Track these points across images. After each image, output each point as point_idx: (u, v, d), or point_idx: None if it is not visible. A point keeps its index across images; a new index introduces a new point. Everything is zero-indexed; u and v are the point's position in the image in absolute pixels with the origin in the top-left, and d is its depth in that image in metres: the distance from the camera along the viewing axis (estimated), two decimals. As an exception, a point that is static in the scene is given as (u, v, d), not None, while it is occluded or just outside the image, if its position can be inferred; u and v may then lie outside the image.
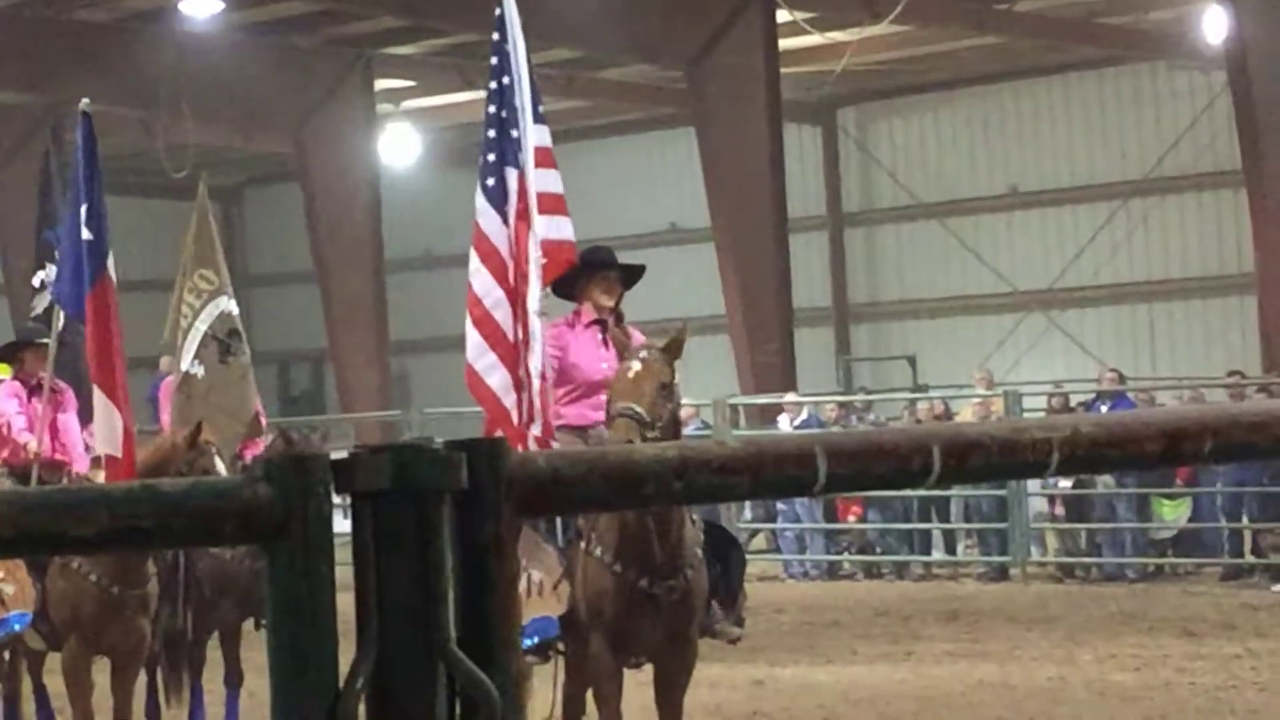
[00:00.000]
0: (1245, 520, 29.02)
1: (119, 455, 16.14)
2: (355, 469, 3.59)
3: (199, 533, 3.72)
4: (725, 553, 13.95)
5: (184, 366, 18.03)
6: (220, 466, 15.56)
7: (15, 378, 17.65)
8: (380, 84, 44.70)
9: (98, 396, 16.34)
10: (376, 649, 3.57)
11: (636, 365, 12.88)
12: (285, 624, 3.60)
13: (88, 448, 17.31)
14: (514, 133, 14.02)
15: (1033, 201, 44.79)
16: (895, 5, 36.05)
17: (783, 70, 37.81)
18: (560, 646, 13.58)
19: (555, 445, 13.47)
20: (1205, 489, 29.04)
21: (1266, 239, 32.74)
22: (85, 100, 17.69)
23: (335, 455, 3.65)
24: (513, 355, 13.57)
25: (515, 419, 13.50)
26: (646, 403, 12.66)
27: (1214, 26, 34.77)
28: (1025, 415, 31.54)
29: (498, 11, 14.29)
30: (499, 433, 13.33)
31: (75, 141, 17.14)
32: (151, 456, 16.25)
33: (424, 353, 46.84)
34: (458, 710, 3.60)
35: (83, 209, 16.52)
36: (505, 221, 13.83)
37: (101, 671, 16.38)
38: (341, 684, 3.56)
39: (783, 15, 37.20)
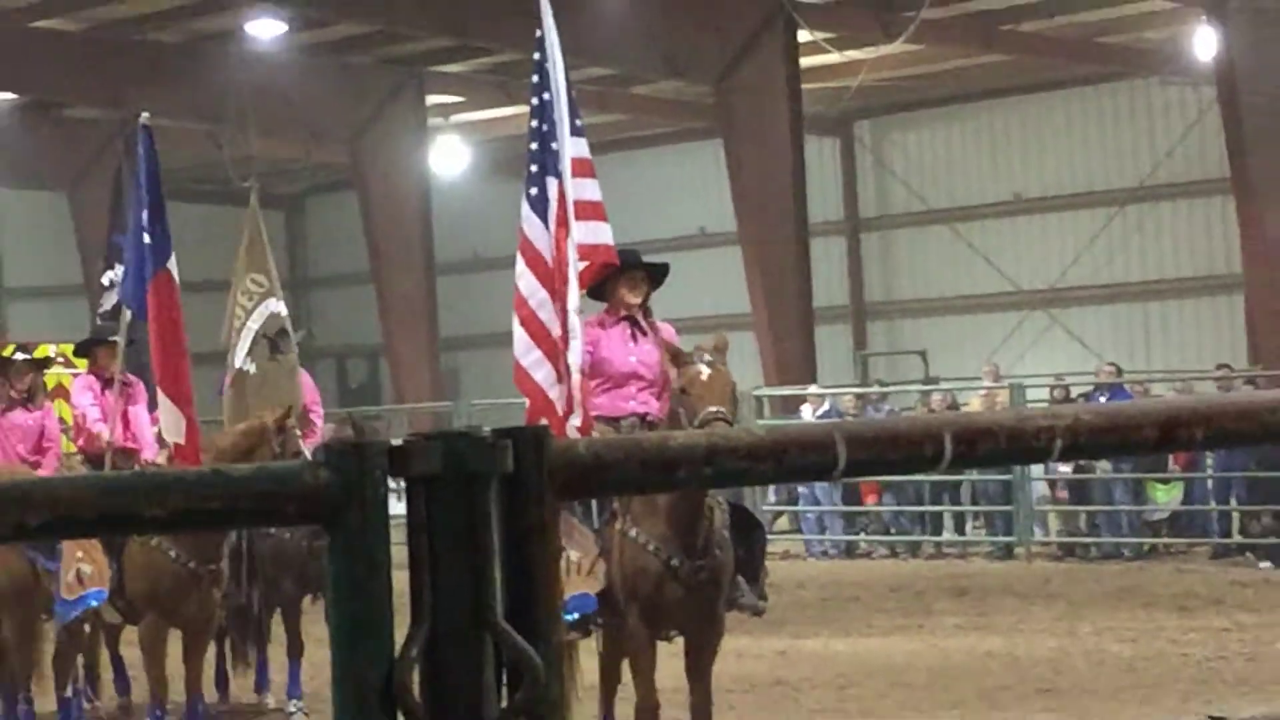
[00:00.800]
0: (1234, 503, 28.97)
1: (183, 443, 16.19)
2: (409, 455, 3.59)
3: (264, 514, 3.74)
4: (749, 533, 14.00)
5: (237, 363, 18.06)
6: (305, 449, 15.55)
7: (89, 372, 17.67)
8: (431, 99, 44.72)
9: (161, 397, 16.40)
10: (429, 622, 3.57)
11: (707, 370, 12.97)
12: (345, 599, 3.61)
13: (159, 438, 17.34)
14: (554, 145, 14.03)
15: (1036, 207, 44.73)
16: (908, 25, 36.06)
17: (803, 86, 37.79)
18: (599, 621, 13.61)
19: (593, 434, 13.54)
20: (1196, 474, 29.02)
21: (1252, 242, 32.72)
22: (145, 114, 17.72)
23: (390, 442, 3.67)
24: (555, 351, 13.60)
25: (559, 410, 13.54)
26: (730, 406, 12.93)
27: (1204, 45, 34.76)
28: (1029, 406, 31.55)
29: (539, 32, 14.31)
30: (542, 421, 13.37)
31: (139, 150, 17.16)
32: (242, 440, 16.28)
33: (472, 348, 46.87)
34: (504, 679, 3.61)
35: (144, 214, 16.57)
36: (547, 227, 13.85)
37: (173, 643, 16.39)
38: (397, 655, 3.57)
39: (803, 35, 37.18)
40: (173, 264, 16.53)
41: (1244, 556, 27.91)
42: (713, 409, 12.69)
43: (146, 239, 16.45)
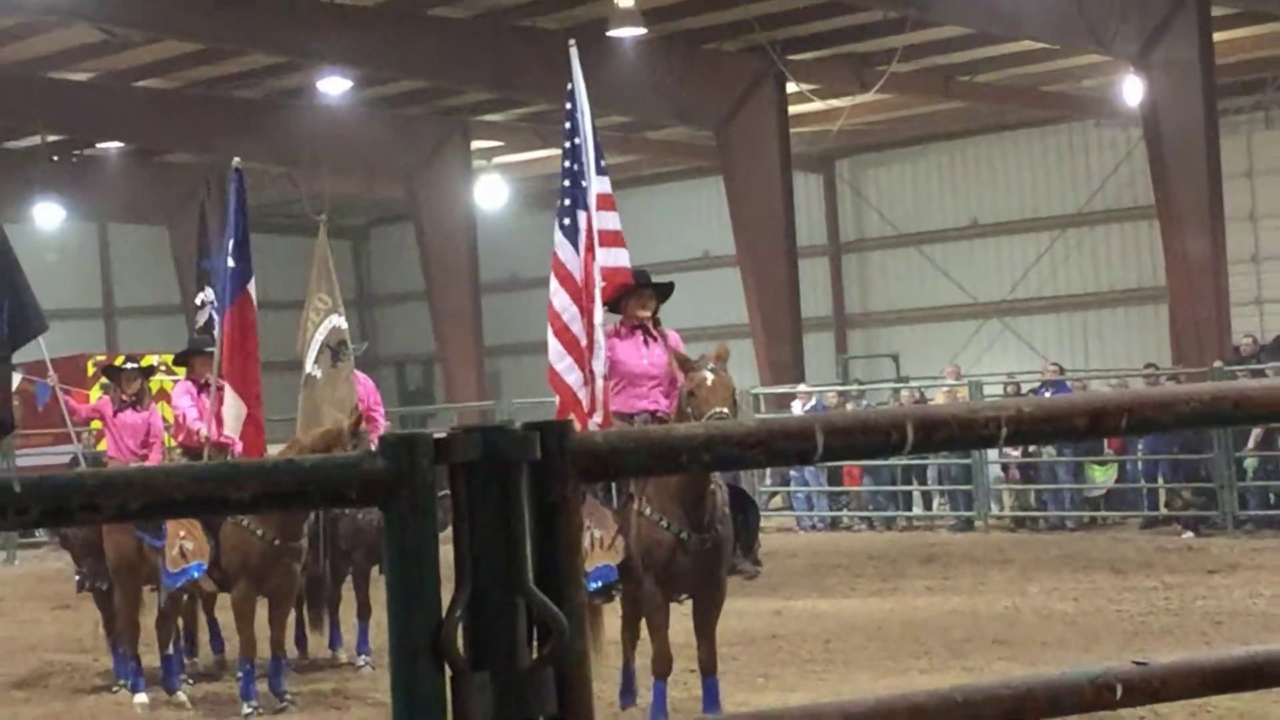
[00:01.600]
0: (1160, 481, 28.96)
1: (239, 438, 16.23)
2: (452, 445, 3.62)
3: (329, 497, 3.76)
4: (745, 509, 14.05)
5: (306, 369, 18.11)
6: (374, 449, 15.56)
7: (188, 378, 17.67)
8: (475, 144, 44.77)
9: (228, 390, 16.41)
10: (470, 587, 3.59)
11: (711, 377, 13.10)
12: (398, 568, 3.63)
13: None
14: (584, 183, 14.12)
15: (990, 231, 44.68)
16: (880, 78, 36.11)
17: (791, 130, 37.81)
18: (620, 587, 13.67)
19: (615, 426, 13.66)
20: (1128, 457, 29.02)
21: (1174, 260, 32.68)
22: (237, 159, 17.79)
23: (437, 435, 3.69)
24: (583, 358, 13.69)
25: (585, 408, 13.63)
26: (731, 407, 13.08)
27: (1131, 93, 34.70)
28: (984, 400, 31.55)
29: (569, 86, 14.41)
30: (570, 418, 13.44)
31: (230, 190, 17.21)
32: (320, 441, 16.30)
33: (512, 355, 46.85)
34: (535, 635, 3.62)
35: (230, 243, 16.61)
36: (577, 252, 13.93)
37: (260, 608, 16.39)
38: (443, 615, 3.58)
39: (791, 86, 37.22)
40: (252, 285, 16.57)
41: (1169, 527, 27.87)
42: (717, 409, 12.80)
43: (232, 263, 16.49)
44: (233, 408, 16.26)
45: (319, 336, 18.02)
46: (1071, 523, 29.36)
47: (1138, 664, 4.18)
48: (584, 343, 13.75)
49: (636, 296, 14.16)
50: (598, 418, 13.56)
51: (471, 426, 3.66)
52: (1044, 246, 43.83)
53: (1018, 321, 44.01)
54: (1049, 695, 4.15)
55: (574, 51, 14.52)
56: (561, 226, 14.04)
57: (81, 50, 37.74)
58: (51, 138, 44.94)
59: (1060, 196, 43.56)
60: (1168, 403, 4.27)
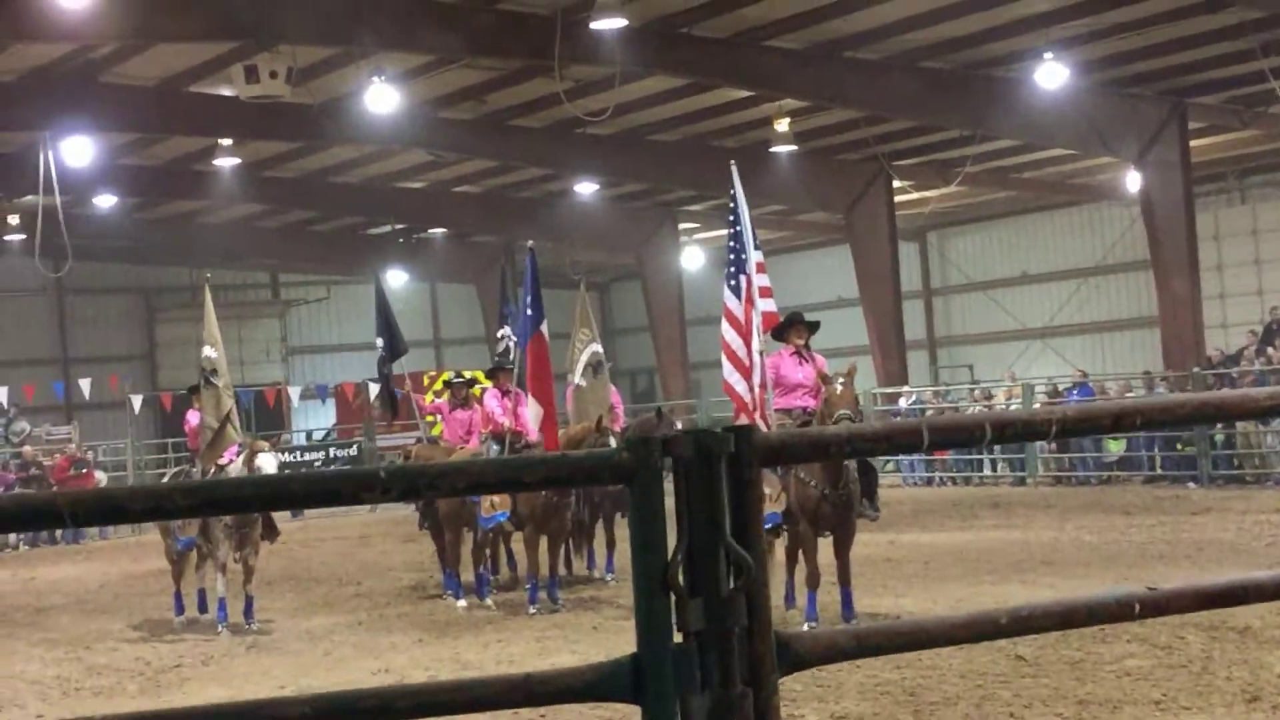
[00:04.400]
0: (1155, 451, 28.48)
1: (540, 432, 16.36)
2: (675, 444, 3.61)
3: (592, 479, 3.75)
4: (868, 472, 14.08)
5: (575, 381, 18.20)
6: (613, 443, 15.67)
7: (495, 387, 17.80)
8: (682, 225, 44.87)
9: (530, 399, 16.55)
10: (688, 540, 3.58)
11: (840, 388, 13.33)
12: (638, 526, 3.62)
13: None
14: (744, 254, 14.25)
15: (1035, 279, 44.11)
16: (957, 176, 35.80)
17: (896, 212, 37.58)
18: (784, 527, 13.67)
19: (774, 422, 13.73)
20: (1134, 434, 28.56)
21: (1164, 297, 32.20)
22: (531, 242, 18.05)
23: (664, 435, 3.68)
24: (748, 375, 13.82)
25: (751, 409, 13.75)
26: (852, 406, 13.26)
27: (1132, 183, 34.24)
28: (1034, 397, 31.16)
29: (731, 191, 14.63)
30: (743, 417, 13.61)
31: (525, 264, 17.36)
32: (579, 433, 16.43)
33: (708, 369, 46.68)
34: (731, 572, 3.60)
35: (528, 298, 16.74)
36: (740, 303, 14.12)
37: (541, 541, 16.49)
38: (669, 558, 3.57)
39: (896, 183, 37.10)
40: (544, 326, 16.71)
41: (1164, 483, 27.38)
42: (842, 411, 13.06)
43: (529, 312, 16.65)
44: (534, 410, 16.42)
45: (583, 358, 18.15)
46: (1094, 479, 28.91)
47: (1150, 589, 4.09)
48: (747, 364, 13.96)
49: (795, 329, 14.28)
50: (759, 415, 13.71)
51: (688, 430, 3.66)
52: (1073, 290, 43.20)
53: (1055, 341, 43.38)
54: (1087, 610, 4.06)
55: (734, 168, 14.79)
56: (729, 286, 14.33)
57: (416, 167, 38.26)
58: (398, 226, 45.66)
59: (1083, 255, 42.97)
60: (1170, 408, 4.19)
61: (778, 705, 3.61)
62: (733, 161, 15.02)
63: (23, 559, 27.81)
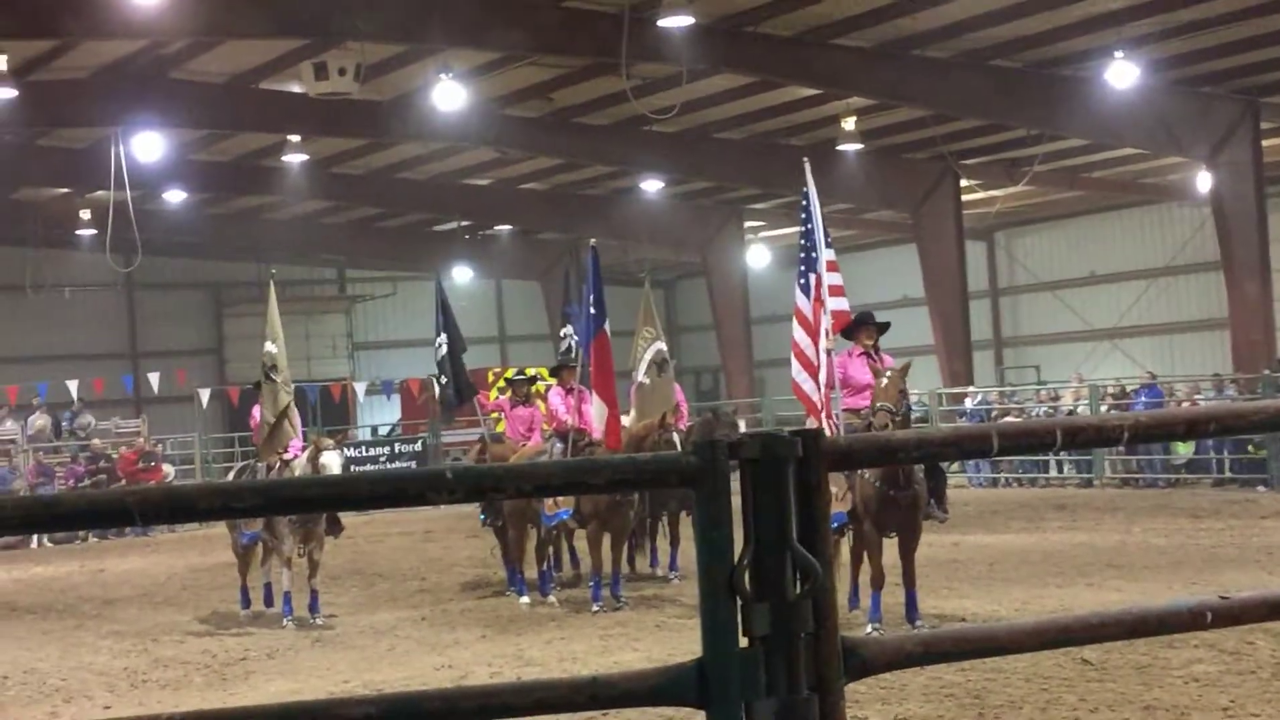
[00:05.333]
0: (1224, 454, 28.19)
1: (604, 431, 16.34)
2: (741, 447, 3.59)
3: (658, 481, 3.74)
4: (936, 473, 13.96)
5: (638, 378, 18.16)
6: (677, 441, 15.66)
7: (558, 384, 17.81)
8: (747, 223, 44.80)
9: (595, 398, 16.54)
10: (754, 544, 3.55)
11: (885, 380, 13.25)
12: (704, 530, 3.60)
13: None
14: (814, 253, 14.21)
15: (1103, 280, 43.74)
16: (1025, 175, 35.58)
17: (964, 211, 37.37)
18: (849, 527, 13.60)
19: (839, 421, 13.69)
20: (1204, 437, 28.25)
21: (1235, 298, 31.86)
22: (594, 240, 18.02)
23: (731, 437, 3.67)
24: (816, 374, 13.80)
25: (818, 408, 13.71)
26: (893, 401, 13.07)
27: (1203, 183, 33.95)
28: (1101, 399, 30.91)
29: (804, 189, 14.60)
30: (810, 417, 13.60)
31: (588, 262, 17.36)
32: (642, 430, 16.41)
33: (772, 367, 46.51)
34: (798, 576, 3.57)
35: (591, 297, 16.72)
36: (809, 302, 14.07)
37: (604, 539, 16.47)
38: (735, 562, 3.55)
39: (963, 182, 36.92)
40: (607, 325, 16.70)
41: (1233, 486, 27.09)
42: (881, 404, 13.10)
43: (593, 310, 16.63)
44: (598, 409, 16.41)
45: (648, 356, 18.08)
46: (1162, 482, 28.64)
47: (1223, 597, 4.03)
48: (815, 364, 13.92)
49: (864, 330, 14.24)
50: (824, 415, 13.70)
51: (754, 433, 3.63)
52: (1141, 290, 42.81)
53: (1123, 342, 43.01)
54: (1158, 619, 4.02)
55: (807, 165, 14.77)
56: (799, 285, 14.28)
57: (483, 164, 38.40)
58: (464, 223, 45.82)
59: (1152, 255, 42.59)
60: (1243, 414, 4.12)
61: (843, 711, 3.58)
62: (805, 159, 14.97)
63: (91, 551, 28.10)
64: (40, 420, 36.20)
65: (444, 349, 18.83)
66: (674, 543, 18.62)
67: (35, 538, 28.74)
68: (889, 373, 13.28)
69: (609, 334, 16.67)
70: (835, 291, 14.32)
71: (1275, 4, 26.01)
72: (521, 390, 18.76)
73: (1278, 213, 36.55)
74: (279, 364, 16.53)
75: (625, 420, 17.25)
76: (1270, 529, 20.20)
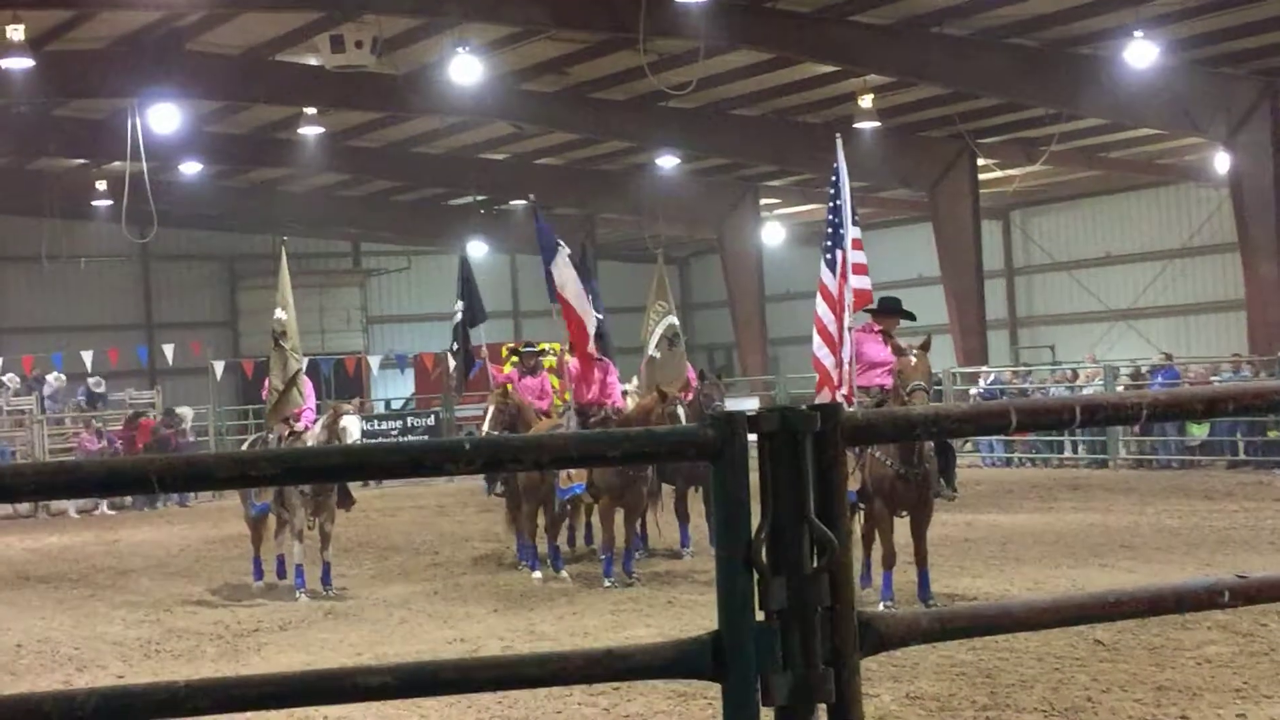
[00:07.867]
0: (1239, 436, 28.13)
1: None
2: (760, 420, 3.58)
3: (676, 454, 3.73)
4: (945, 452, 13.95)
5: (649, 353, 18.16)
6: (681, 415, 15.66)
7: (575, 356, 17.84)
8: (762, 201, 44.73)
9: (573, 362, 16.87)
10: (771, 517, 3.55)
11: (914, 359, 13.15)
12: (722, 504, 3.60)
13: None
14: (841, 230, 14.23)
15: (1119, 260, 43.64)
16: (1042, 155, 35.49)
17: (980, 190, 37.28)
18: (860, 505, 13.59)
19: (856, 399, 13.69)
20: (1222, 416, 28.22)
21: (1251, 279, 31.78)
22: (531, 195, 18.23)
23: (748, 409, 3.67)
24: (836, 349, 13.79)
25: (835, 383, 13.71)
26: (926, 380, 13.08)
27: (1221, 163, 33.83)
28: (1117, 379, 30.86)
29: (834, 165, 14.60)
30: (825, 391, 13.62)
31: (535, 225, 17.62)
32: (649, 403, 16.43)
33: (785, 345, 46.56)
34: (815, 550, 3.57)
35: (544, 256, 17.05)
36: (835, 278, 14.07)
37: (616, 514, 16.49)
38: (753, 536, 3.55)
39: (980, 161, 36.83)
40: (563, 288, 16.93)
41: (1247, 468, 27.04)
42: (915, 382, 12.95)
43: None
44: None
45: (659, 330, 18.11)
46: (1176, 464, 28.59)
47: (1240, 576, 4.02)
48: (837, 339, 13.97)
49: (891, 319, 14.32)
50: (844, 390, 13.72)
51: (773, 408, 3.63)
52: (1158, 271, 42.69)
53: (1139, 323, 42.91)
54: (1175, 597, 4.01)
55: (839, 141, 14.70)
56: (825, 260, 14.34)
57: (499, 139, 38.37)
58: (479, 197, 45.78)
59: (1169, 236, 42.46)
60: (1263, 393, 4.11)
61: (859, 685, 3.58)
62: (838, 135, 14.96)
63: (106, 521, 28.18)
64: (56, 380, 36.26)
65: (458, 316, 18.94)
66: (683, 519, 18.62)
67: (47, 506, 28.85)
68: (915, 351, 13.22)
69: (568, 300, 16.81)
70: (859, 269, 14.33)
71: (1296, -16, 25.93)
72: (529, 361, 18.88)
73: (1296, 193, 36.52)
74: (289, 330, 16.51)
75: (629, 387, 17.26)
76: (1284, 511, 20.19)
